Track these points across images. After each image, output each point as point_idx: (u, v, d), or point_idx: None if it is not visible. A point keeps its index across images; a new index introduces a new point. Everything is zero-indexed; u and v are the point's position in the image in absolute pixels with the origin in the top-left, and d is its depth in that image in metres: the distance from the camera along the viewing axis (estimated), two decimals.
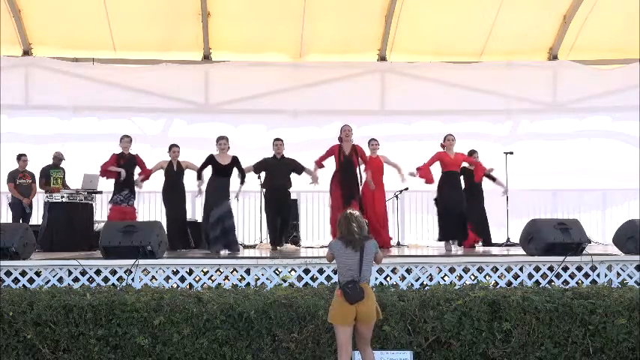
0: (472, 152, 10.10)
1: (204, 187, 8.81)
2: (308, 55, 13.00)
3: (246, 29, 12.56)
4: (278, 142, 9.45)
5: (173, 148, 9.68)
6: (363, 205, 9.15)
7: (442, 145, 9.26)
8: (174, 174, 9.62)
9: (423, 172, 9.06)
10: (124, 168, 9.64)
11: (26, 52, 12.72)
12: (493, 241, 10.24)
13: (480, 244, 9.97)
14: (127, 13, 12.22)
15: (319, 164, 9.35)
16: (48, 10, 12.27)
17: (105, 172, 9.71)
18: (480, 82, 12.80)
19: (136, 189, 9.82)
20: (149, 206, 11.55)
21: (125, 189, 9.63)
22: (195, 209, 11.88)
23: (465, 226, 9.06)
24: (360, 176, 9.30)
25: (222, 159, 8.82)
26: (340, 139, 9.21)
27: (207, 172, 8.92)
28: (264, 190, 9.70)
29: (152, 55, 12.82)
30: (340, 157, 9.04)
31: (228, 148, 8.87)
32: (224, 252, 8.51)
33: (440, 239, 9.23)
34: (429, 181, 9.04)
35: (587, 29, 12.77)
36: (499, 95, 12.88)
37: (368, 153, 9.51)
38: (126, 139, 9.80)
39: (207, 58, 12.95)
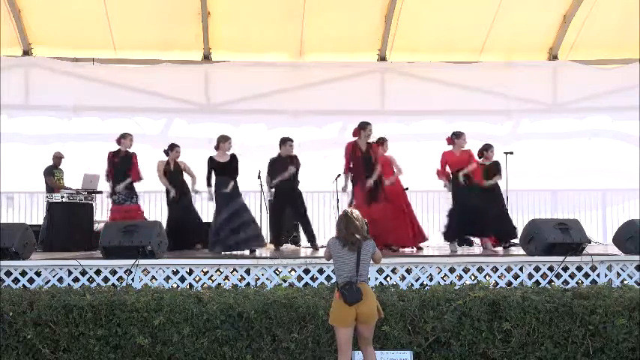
0: (488, 147, 9.86)
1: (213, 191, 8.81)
2: (308, 55, 12.99)
3: (246, 29, 12.56)
4: (292, 144, 9.24)
5: (176, 149, 9.68)
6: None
7: (448, 141, 9.11)
8: (171, 174, 9.62)
9: (443, 175, 9.00)
10: (119, 166, 9.47)
11: (26, 52, 12.72)
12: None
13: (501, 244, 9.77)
14: (127, 13, 12.22)
15: (348, 171, 8.98)
16: (48, 10, 12.26)
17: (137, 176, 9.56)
18: (480, 82, 12.80)
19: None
20: (149, 206, 11.52)
21: (125, 188, 9.47)
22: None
23: (483, 221, 8.86)
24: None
25: (220, 157, 8.87)
26: (356, 132, 9.00)
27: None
28: (272, 190, 9.59)
29: (152, 55, 12.82)
30: (357, 152, 8.90)
31: (229, 148, 8.92)
32: (246, 252, 8.51)
33: (446, 239, 9.14)
34: (448, 178, 8.98)
35: (587, 29, 12.77)
36: (499, 95, 12.87)
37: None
38: (129, 137, 9.60)
39: (207, 58, 12.94)
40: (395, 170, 9.47)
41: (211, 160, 8.85)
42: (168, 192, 9.75)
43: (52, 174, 10.54)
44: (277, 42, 12.83)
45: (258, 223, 10.73)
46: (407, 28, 12.63)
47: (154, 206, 11.37)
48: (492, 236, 9.22)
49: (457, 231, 8.91)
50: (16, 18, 12.29)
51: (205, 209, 10.92)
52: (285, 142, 9.26)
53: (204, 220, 10.26)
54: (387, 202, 8.96)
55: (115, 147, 9.64)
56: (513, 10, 12.36)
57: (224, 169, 8.82)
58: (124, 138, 9.61)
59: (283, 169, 9.15)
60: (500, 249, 9.34)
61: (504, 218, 9.55)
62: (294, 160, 9.25)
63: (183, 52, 12.87)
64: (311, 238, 9.32)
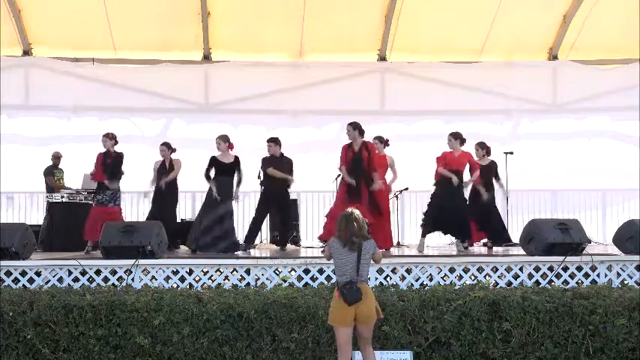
0: (482, 145, 9.91)
1: (215, 189, 8.78)
2: (308, 55, 12.99)
3: (246, 29, 12.55)
4: (270, 144, 9.34)
5: (160, 147, 9.62)
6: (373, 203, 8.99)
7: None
8: (165, 173, 9.56)
9: (439, 175, 9.02)
10: (111, 167, 9.27)
11: (26, 52, 12.71)
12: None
13: (486, 243, 9.78)
14: (127, 13, 12.21)
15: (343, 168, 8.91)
16: (48, 10, 12.25)
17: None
18: (480, 82, 12.80)
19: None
20: (148, 206, 11.51)
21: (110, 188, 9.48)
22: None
23: (463, 224, 8.95)
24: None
25: (223, 158, 8.87)
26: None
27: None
28: (262, 187, 9.65)
29: (152, 55, 12.81)
30: (348, 154, 8.92)
31: (229, 147, 8.89)
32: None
33: (422, 225, 9.10)
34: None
35: (587, 29, 12.77)
36: (499, 95, 12.87)
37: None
38: (104, 137, 9.29)
39: (207, 58, 12.93)
40: (392, 174, 9.42)
41: (214, 159, 8.87)
42: (155, 191, 9.64)
43: (52, 174, 10.54)
44: (277, 42, 12.82)
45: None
46: (407, 28, 12.63)
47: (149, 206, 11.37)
48: (480, 236, 9.31)
49: (432, 225, 8.94)
50: (16, 18, 12.29)
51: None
52: (267, 143, 9.36)
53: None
54: (371, 205, 8.89)
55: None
56: (513, 10, 12.36)
57: (226, 170, 8.82)
58: (105, 138, 9.43)
59: (276, 167, 9.25)
60: (500, 249, 9.35)
61: (494, 219, 9.57)
62: (286, 162, 9.31)
63: (183, 52, 12.86)
64: (282, 240, 9.42)
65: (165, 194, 9.54)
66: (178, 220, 10.08)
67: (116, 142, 9.29)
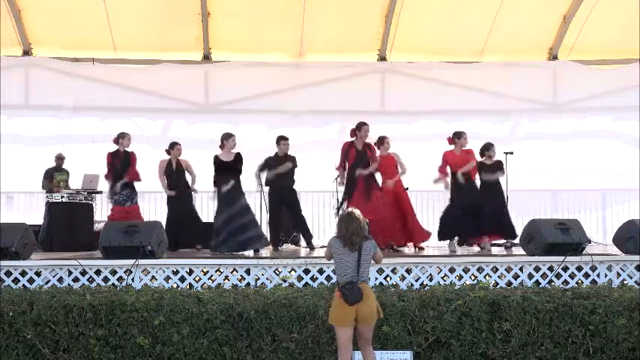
0: (489, 146, 9.79)
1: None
2: (308, 55, 12.99)
3: (246, 29, 12.55)
4: (286, 142, 9.27)
5: (176, 147, 9.66)
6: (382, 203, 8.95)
7: (449, 141, 9.11)
8: (173, 173, 9.60)
9: (443, 174, 9.03)
10: (119, 167, 9.49)
11: (26, 52, 12.71)
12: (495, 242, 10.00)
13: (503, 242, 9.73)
14: (127, 13, 12.21)
15: (342, 168, 9.11)
16: (48, 10, 12.25)
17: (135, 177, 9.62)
18: (480, 82, 12.79)
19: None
20: (149, 206, 11.52)
21: (125, 188, 9.52)
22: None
23: (480, 221, 8.87)
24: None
25: (225, 156, 8.85)
26: (353, 133, 9.08)
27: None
28: (268, 189, 9.64)
29: (152, 55, 12.81)
30: (352, 151, 8.94)
31: (233, 145, 8.90)
32: (248, 252, 8.46)
33: (440, 239, 9.15)
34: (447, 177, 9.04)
35: (587, 29, 12.76)
36: (499, 95, 12.86)
37: (378, 152, 9.38)
38: (127, 137, 9.64)
39: (207, 58, 12.93)
40: (399, 169, 9.44)
41: (216, 158, 8.85)
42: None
43: (51, 177, 10.52)
44: (277, 42, 12.82)
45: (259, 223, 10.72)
46: (407, 28, 12.62)
47: (154, 206, 11.37)
48: (492, 234, 9.23)
49: (452, 230, 8.91)
50: (16, 18, 12.28)
51: (206, 209, 10.96)
52: (279, 141, 9.27)
53: (205, 220, 10.26)
54: (382, 201, 8.93)
55: (114, 147, 9.66)
56: (513, 10, 12.35)
57: (228, 168, 8.82)
58: (122, 138, 9.66)
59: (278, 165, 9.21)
60: (501, 249, 9.34)
61: (504, 216, 9.54)
62: (290, 159, 9.26)
63: (183, 52, 12.86)
64: (308, 238, 9.35)
65: (183, 193, 9.61)
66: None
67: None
